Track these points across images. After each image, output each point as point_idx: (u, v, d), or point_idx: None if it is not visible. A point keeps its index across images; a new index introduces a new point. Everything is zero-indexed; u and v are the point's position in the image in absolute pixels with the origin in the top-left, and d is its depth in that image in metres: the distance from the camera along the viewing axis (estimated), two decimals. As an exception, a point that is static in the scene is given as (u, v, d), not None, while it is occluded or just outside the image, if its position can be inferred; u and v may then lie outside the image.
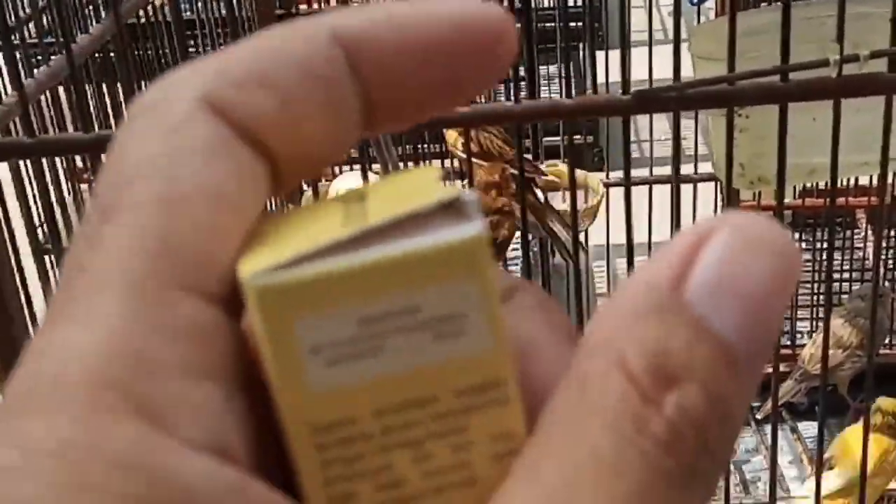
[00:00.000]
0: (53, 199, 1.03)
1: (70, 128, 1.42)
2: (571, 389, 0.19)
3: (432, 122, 0.91)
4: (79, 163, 1.48)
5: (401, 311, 0.19)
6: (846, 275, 2.24)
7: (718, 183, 1.92)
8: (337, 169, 2.02)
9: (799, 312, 2.14)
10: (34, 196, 1.18)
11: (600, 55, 2.55)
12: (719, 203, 2.00)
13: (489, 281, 0.19)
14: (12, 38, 0.95)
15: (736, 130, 0.93)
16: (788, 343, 2.06)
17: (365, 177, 1.14)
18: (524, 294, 0.22)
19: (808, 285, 2.19)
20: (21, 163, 1.07)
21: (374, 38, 0.21)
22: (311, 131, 0.21)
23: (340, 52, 0.21)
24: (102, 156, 1.10)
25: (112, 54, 1.35)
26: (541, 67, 3.02)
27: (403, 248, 0.19)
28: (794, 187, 2.06)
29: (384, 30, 0.21)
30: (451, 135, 1.69)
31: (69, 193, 1.31)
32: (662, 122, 2.53)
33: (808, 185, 2.15)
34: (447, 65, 0.21)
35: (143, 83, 1.55)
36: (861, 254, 2.31)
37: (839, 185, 0.99)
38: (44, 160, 1.03)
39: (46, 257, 1.14)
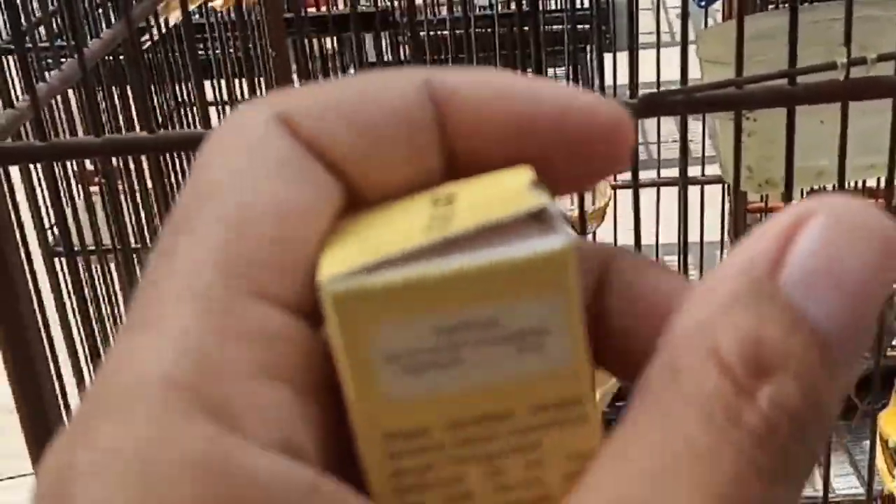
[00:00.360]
0: (65, 202, 1.04)
1: (80, 132, 1.43)
2: (663, 376, 0.19)
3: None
4: (89, 166, 1.49)
5: (481, 323, 0.19)
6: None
7: (726, 185, 1.92)
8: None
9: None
10: (45, 199, 1.18)
11: (608, 58, 2.55)
12: (727, 205, 2.00)
13: (574, 296, 0.19)
14: (24, 42, 0.96)
15: (744, 133, 0.93)
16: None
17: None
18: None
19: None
20: (32, 166, 1.07)
21: (469, 96, 0.21)
22: (387, 165, 0.21)
23: (430, 101, 0.21)
24: (113, 159, 1.10)
25: (122, 58, 1.36)
26: (548, 70, 3.03)
27: (487, 258, 0.18)
28: (802, 190, 2.06)
29: (481, 90, 0.21)
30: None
31: (80, 197, 1.32)
32: (669, 124, 2.53)
33: (816, 188, 2.15)
34: (542, 145, 0.21)
35: (153, 87, 1.56)
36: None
37: (846, 188, 0.99)
38: (55, 164, 1.04)
39: (57, 260, 1.15)
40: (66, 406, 1.00)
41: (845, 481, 1.82)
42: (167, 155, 1.54)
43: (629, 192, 0.99)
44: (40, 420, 0.96)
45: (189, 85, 1.63)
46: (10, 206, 0.93)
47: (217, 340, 0.18)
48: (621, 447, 0.19)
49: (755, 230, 0.19)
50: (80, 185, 1.39)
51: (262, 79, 1.74)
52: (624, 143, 0.21)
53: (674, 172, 2.01)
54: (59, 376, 0.98)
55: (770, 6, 1.86)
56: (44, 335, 0.96)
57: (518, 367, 0.19)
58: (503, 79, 0.21)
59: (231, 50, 1.80)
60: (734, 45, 0.87)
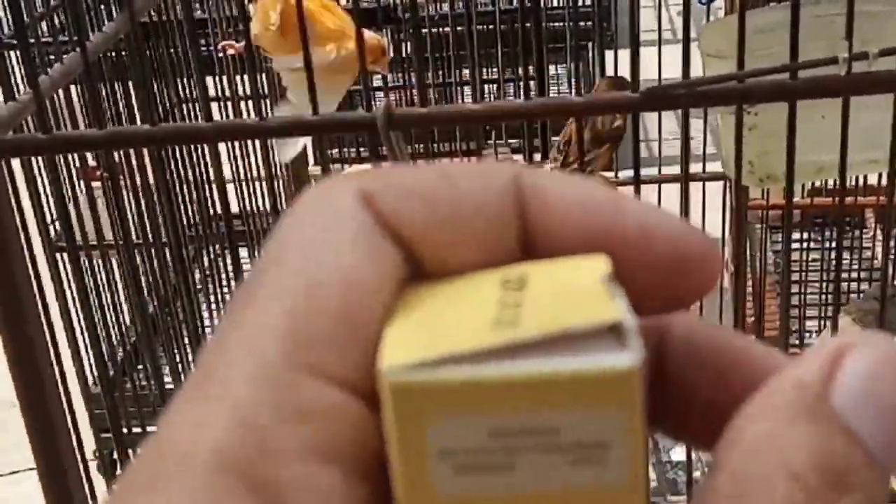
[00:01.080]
0: (67, 197, 1.04)
1: (81, 128, 1.43)
2: (729, 482, 0.19)
3: (440, 118, 0.91)
4: (90, 161, 1.49)
5: (540, 431, 0.18)
6: (854, 274, 2.24)
7: (727, 182, 1.92)
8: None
9: (807, 311, 2.14)
10: (46, 194, 1.18)
11: (609, 55, 2.55)
12: (728, 202, 2.00)
13: (637, 414, 0.19)
14: (27, 35, 0.96)
15: (745, 128, 0.93)
16: (797, 342, 2.06)
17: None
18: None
19: (817, 285, 2.19)
20: (34, 160, 1.07)
21: (555, 201, 0.21)
22: (461, 253, 0.21)
23: (515, 197, 0.21)
24: (115, 153, 1.11)
25: (124, 53, 1.36)
26: (549, 67, 3.03)
27: (552, 367, 0.18)
28: (803, 186, 2.06)
29: (568, 197, 0.21)
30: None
31: (81, 192, 1.32)
32: (671, 121, 2.53)
33: (817, 184, 2.15)
34: (621, 264, 0.21)
35: (154, 82, 1.56)
36: (870, 253, 2.31)
37: (847, 184, 0.99)
38: (57, 158, 1.04)
39: (58, 255, 1.15)
40: (69, 402, 1.00)
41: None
42: (168, 150, 1.54)
43: (630, 188, 0.99)
44: (42, 414, 0.96)
45: (191, 81, 1.63)
46: (13, 200, 0.93)
47: (272, 417, 0.19)
48: None
49: (805, 352, 0.20)
50: (80, 181, 1.39)
51: (263, 76, 1.74)
52: (709, 275, 0.21)
53: (674, 169, 2.01)
54: (63, 375, 0.98)
55: (771, 1, 1.86)
56: (46, 330, 0.96)
57: (572, 479, 0.19)
58: (591, 187, 0.21)
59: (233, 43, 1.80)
60: (736, 40, 0.87)
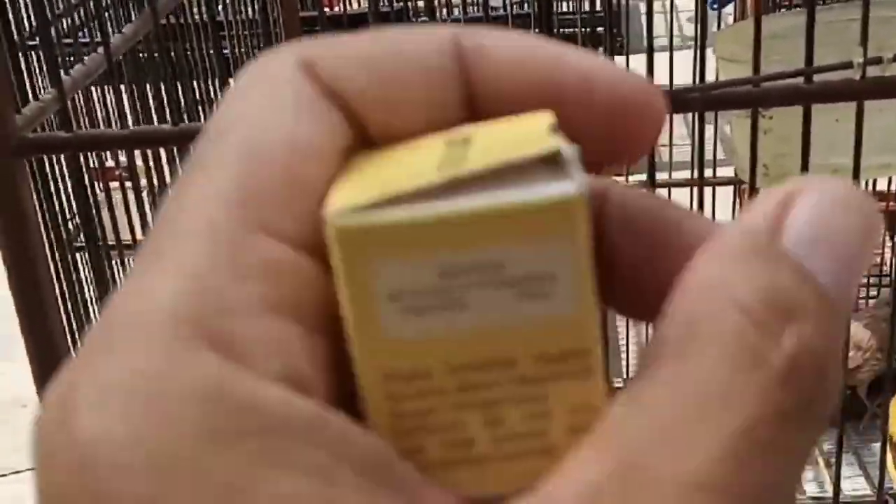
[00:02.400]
0: (87, 195, 1.05)
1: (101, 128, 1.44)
2: (678, 327, 0.19)
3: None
4: (108, 162, 1.50)
5: (486, 266, 0.18)
6: (863, 280, 2.24)
7: (737, 187, 1.93)
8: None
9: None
10: (66, 193, 1.19)
11: (619, 61, 2.55)
12: (738, 207, 2.00)
13: (584, 244, 0.18)
14: (50, 34, 0.97)
15: (760, 131, 0.94)
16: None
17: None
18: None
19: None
20: (45, 160, 1.08)
21: (495, 56, 0.21)
22: (405, 113, 0.21)
23: (455, 56, 0.21)
24: (137, 152, 1.12)
25: (142, 55, 1.37)
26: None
27: (496, 200, 0.18)
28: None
29: (508, 51, 0.21)
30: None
31: (101, 191, 1.33)
32: (680, 126, 2.54)
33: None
34: (566, 113, 0.21)
35: (174, 83, 1.57)
36: (879, 259, 2.31)
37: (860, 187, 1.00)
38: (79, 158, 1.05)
39: (80, 255, 1.16)
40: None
41: (854, 483, 1.82)
42: (186, 150, 1.55)
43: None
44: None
45: (208, 82, 1.64)
46: (35, 199, 0.94)
47: (224, 275, 0.18)
48: (636, 395, 0.19)
49: (753, 201, 0.20)
50: (100, 181, 1.40)
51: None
52: (653, 120, 0.21)
53: (685, 174, 2.02)
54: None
55: (782, 8, 1.87)
56: (66, 326, 0.97)
57: (523, 313, 0.18)
58: (531, 42, 0.21)
59: (243, 48, 1.81)
60: (751, 45, 0.87)
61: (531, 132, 0.19)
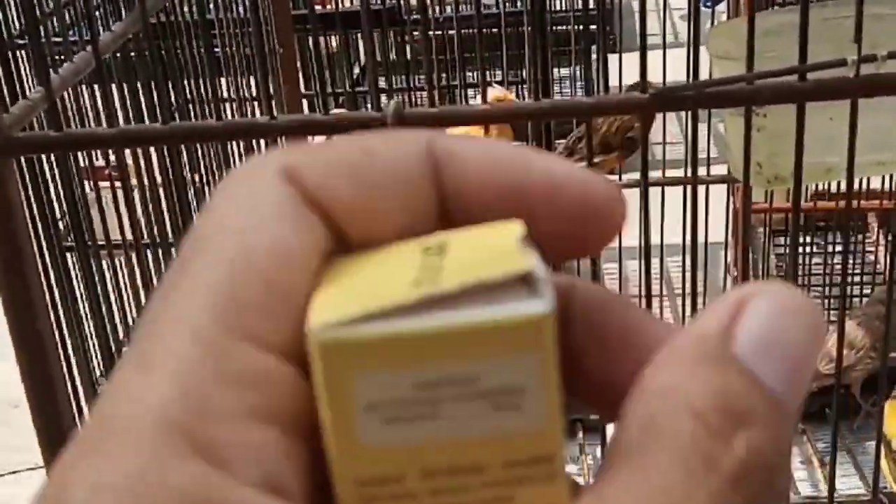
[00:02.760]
0: (76, 195, 1.05)
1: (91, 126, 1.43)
2: (635, 429, 0.20)
3: (450, 118, 0.91)
4: (98, 162, 1.49)
5: (460, 379, 0.19)
6: (857, 278, 2.24)
7: (730, 185, 1.93)
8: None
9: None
10: (56, 192, 1.19)
11: (612, 59, 2.55)
12: (731, 205, 2.00)
13: (551, 358, 0.20)
14: (39, 33, 0.96)
15: (753, 129, 0.93)
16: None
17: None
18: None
19: (820, 289, 2.20)
20: (35, 160, 1.08)
21: (466, 162, 0.22)
22: (383, 219, 0.22)
23: (429, 162, 0.22)
24: (127, 151, 1.11)
25: (132, 53, 1.36)
26: (554, 70, 3.03)
27: (470, 317, 0.19)
28: (807, 188, 2.06)
29: (478, 157, 0.23)
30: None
31: (91, 191, 1.32)
32: (673, 124, 2.54)
33: (820, 187, 2.16)
34: (533, 216, 0.22)
35: (164, 81, 1.56)
36: (872, 258, 2.31)
37: (853, 185, 1.00)
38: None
39: (70, 254, 1.15)
40: (77, 401, 1.00)
41: (848, 482, 1.82)
42: (176, 150, 1.54)
43: (634, 191, 0.99)
44: (51, 412, 0.96)
45: (199, 81, 1.64)
46: (23, 199, 0.94)
47: (210, 383, 0.19)
48: (598, 498, 0.20)
49: (706, 308, 0.21)
50: (90, 180, 1.39)
51: (269, 76, 1.74)
52: (616, 221, 0.23)
53: (678, 173, 2.02)
54: (70, 371, 0.99)
55: (775, 5, 1.87)
56: (55, 328, 0.96)
57: (493, 423, 0.20)
58: (499, 148, 0.23)
59: (234, 47, 1.80)
60: (744, 42, 0.87)
61: (503, 246, 0.21)
